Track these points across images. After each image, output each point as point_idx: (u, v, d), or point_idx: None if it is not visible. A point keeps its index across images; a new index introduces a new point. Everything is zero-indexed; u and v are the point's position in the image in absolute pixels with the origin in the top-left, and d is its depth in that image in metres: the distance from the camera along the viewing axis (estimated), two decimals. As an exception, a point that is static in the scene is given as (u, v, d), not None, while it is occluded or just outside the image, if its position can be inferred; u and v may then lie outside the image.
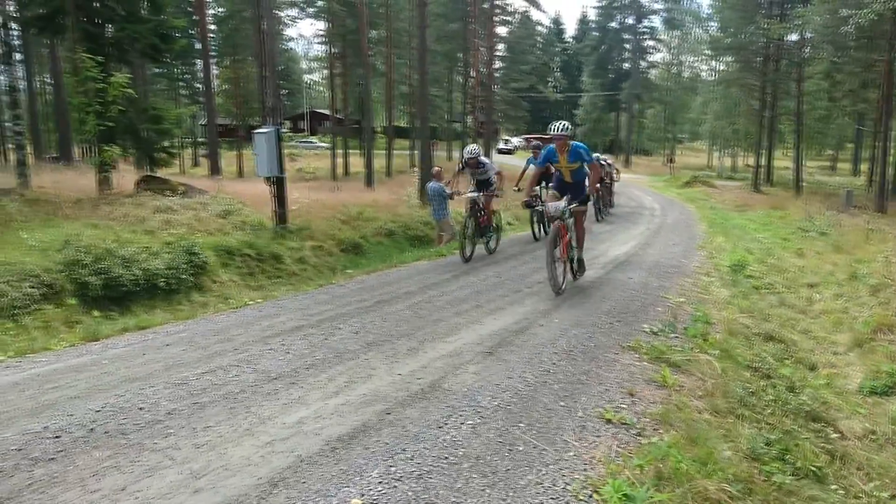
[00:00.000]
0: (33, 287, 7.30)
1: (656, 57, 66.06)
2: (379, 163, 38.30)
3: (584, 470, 3.47)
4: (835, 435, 4.63)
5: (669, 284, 8.85)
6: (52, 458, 3.37)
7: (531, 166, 13.84)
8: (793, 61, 33.75)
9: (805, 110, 35.25)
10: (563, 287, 7.78)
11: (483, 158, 11.07)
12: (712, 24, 49.83)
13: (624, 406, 4.40)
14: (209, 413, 4.01)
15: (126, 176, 15.32)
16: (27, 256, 7.83)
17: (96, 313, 7.42)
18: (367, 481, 3.23)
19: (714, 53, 47.15)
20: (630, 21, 62.33)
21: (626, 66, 63.26)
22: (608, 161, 21.44)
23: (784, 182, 37.67)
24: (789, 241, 15.91)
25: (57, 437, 3.63)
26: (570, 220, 7.90)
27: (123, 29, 14.55)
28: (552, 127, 7.81)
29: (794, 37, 32.61)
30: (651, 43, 63.71)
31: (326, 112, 60.75)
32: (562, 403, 4.37)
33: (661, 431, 4.04)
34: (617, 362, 5.35)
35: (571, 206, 7.76)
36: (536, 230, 13.52)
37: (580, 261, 8.50)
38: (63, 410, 4.01)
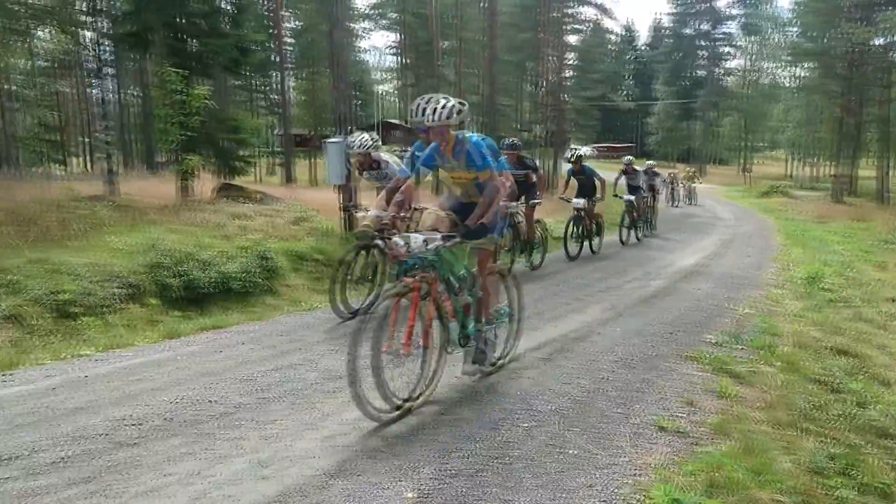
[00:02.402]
0: (120, 287, 7.77)
1: (733, 63, 64.18)
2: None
3: (636, 475, 3.50)
4: (905, 453, 4.48)
5: (738, 296, 8.66)
6: (134, 444, 3.65)
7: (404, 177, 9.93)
8: (879, 66, 32.23)
9: (893, 117, 33.56)
10: (417, 400, 4.25)
11: (382, 155, 7.39)
12: (793, 29, 48.06)
13: (681, 415, 4.39)
14: (275, 408, 4.24)
15: (205, 184, 16.03)
16: (115, 259, 8.34)
17: (176, 313, 7.84)
18: (421, 476, 3.37)
19: (794, 59, 45.47)
20: (705, 27, 60.87)
21: (702, 73, 61.76)
22: (655, 169, 17.97)
23: (868, 193, 35.91)
24: (871, 253, 15.25)
25: (139, 424, 3.91)
26: (457, 273, 4.59)
27: (206, 44, 15.30)
28: (417, 108, 4.28)
29: (879, 41, 31.17)
30: (728, 49, 62.02)
31: (397, 122, 61.72)
32: (617, 410, 4.40)
33: (717, 441, 4.02)
34: (676, 372, 5.32)
35: (449, 244, 4.34)
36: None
37: (487, 341, 4.81)
38: (144, 401, 4.31)
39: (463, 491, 3.25)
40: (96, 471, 3.32)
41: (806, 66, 44.34)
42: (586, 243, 12.04)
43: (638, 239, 14.68)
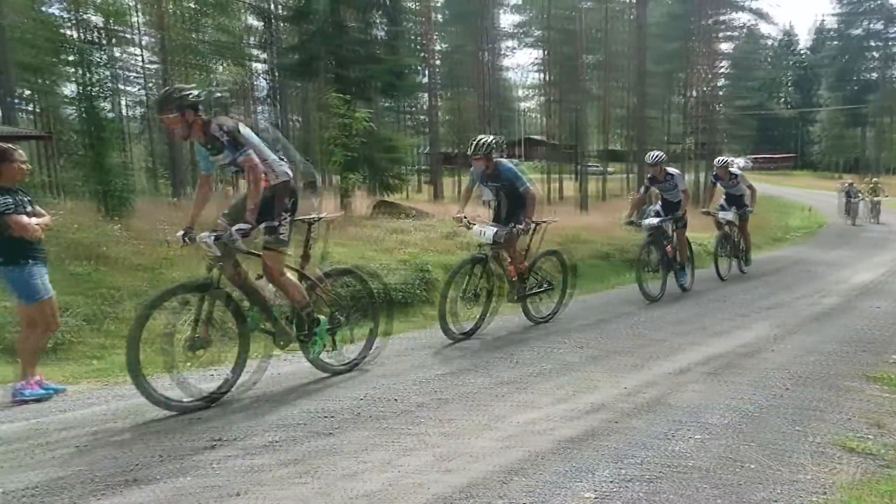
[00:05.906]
0: (296, 296, 8.48)
1: (910, 64, 58.45)
2: (592, 186, 38.14)
3: (823, 493, 3.39)
4: None
5: (926, 315, 7.99)
6: (330, 433, 4.04)
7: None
8: None
9: None
10: None
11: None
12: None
13: (868, 436, 4.17)
14: (451, 408, 4.51)
15: (361, 201, 16.98)
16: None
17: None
18: (597, 479, 3.47)
19: None
20: (877, 26, 56.00)
21: (873, 76, 56.79)
22: (738, 166, 12.34)
23: None
24: None
25: (331, 417, 4.32)
26: None
27: (365, 70, 16.31)
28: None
29: None
30: (904, 49, 56.63)
31: (540, 138, 61.75)
32: (796, 428, 4.26)
33: (913, 465, 3.79)
34: (858, 392, 5.04)
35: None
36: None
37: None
38: (332, 397, 4.74)
39: (640, 495, 3.31)
40: (303, 454, 3.72)
41: None
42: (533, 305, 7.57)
43: (683, 288, 9.34)
